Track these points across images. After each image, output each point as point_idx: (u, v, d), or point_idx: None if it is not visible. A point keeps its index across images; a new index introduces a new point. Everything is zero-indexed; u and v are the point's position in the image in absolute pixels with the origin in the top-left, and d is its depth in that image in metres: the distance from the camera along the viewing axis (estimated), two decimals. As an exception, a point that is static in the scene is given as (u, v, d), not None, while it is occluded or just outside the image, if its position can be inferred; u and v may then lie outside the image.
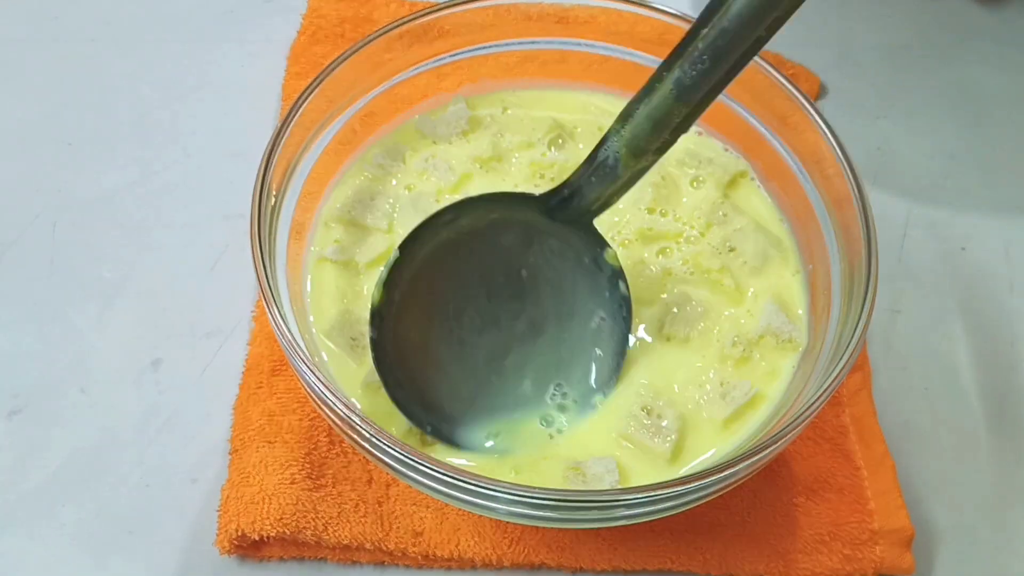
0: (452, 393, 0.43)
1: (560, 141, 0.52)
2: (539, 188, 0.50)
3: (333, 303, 0.46)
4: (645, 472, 0.43)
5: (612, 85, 0.54)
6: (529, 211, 0.43)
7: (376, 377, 0.44)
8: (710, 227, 0.50)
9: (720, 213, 0.50)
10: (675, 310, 0.46)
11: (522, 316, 0.44)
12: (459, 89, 0.53)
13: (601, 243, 0.44)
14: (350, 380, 0.44)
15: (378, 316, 0.42)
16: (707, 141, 0.53)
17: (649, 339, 0.46)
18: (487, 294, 0.44)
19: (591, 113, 0.54)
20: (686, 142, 0.51)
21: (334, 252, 0.47)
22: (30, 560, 0.45)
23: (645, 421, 0.43)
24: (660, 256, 0.49)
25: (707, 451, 0.43)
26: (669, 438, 0.43)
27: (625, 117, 0.40)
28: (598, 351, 0.45)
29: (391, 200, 0.49)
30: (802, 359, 0.46)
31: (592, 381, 0.44)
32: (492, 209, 0.43)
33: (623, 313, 0.44)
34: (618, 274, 0.44)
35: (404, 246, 0.42)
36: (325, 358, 0.45)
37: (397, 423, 0.43)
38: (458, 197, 0.49)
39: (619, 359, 0.44)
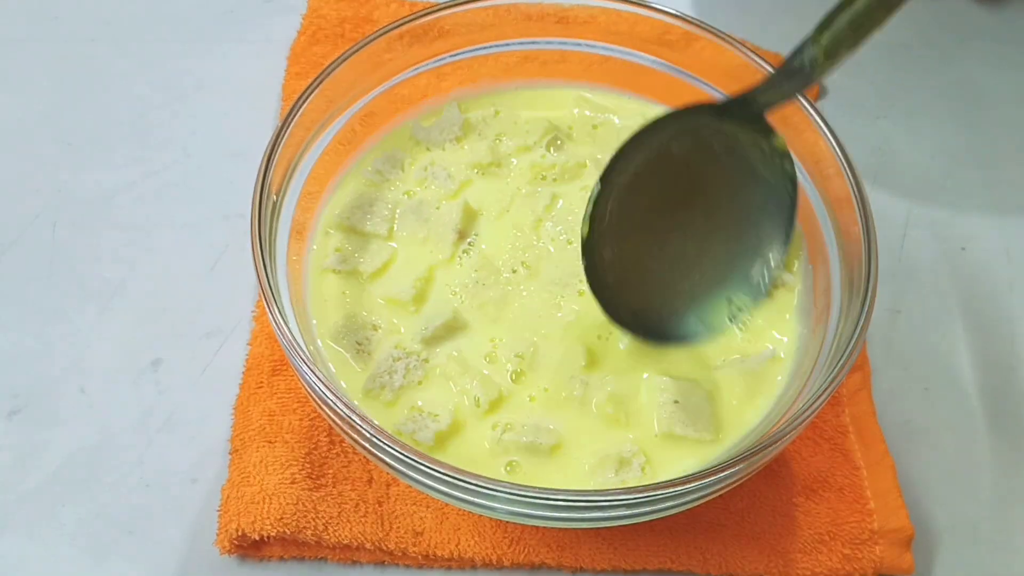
0: (656, 301, 0.45)
1: (558, 142, 0.52)
2: (541, 190, 0.50)
3: (337, 308, 0.46)
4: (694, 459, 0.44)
5: (612, 85, 0.54)
6: (704, 117, 0.44)
7: (375, 383, 0.44)
8: None
9: None
10: None
11: (702, 218, 0.45)
12: (452, 91, 0.53)
13: (769, 131, 0.44)
14: (353, 384, 0.44)
15: (588, 247, 0.44)
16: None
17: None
18: (673, 205, 0.45)
19: (584, 108, 0.54)
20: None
21: (335, 261, 0.47)
22: (30, 560, 0.45)
23: (679, 414, 0.44)
24: None
25: (744, 424, 0.44)
26: (707, 423, 0.44)
27: (825, 26, 0.42)
28: (766, 237, 0.45)
29: (390, 206, 0.49)
30: (802, 312, 0.47)
31: (768, 264, 0.45)
32: (674, 126, 0.44)
33: (789, 190, 0.45)
34: (785, 156, 0.44)
35: (604, 177, 0.43)
36: (329, 364, 0.45)
37: (397, 424, 0.43)
38: (458, 202, 0.49)
39: (789, 230, 0.45)
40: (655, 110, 0.53)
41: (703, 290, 0.45)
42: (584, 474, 0.43)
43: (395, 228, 0.49)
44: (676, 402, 0.44)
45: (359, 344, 0.45)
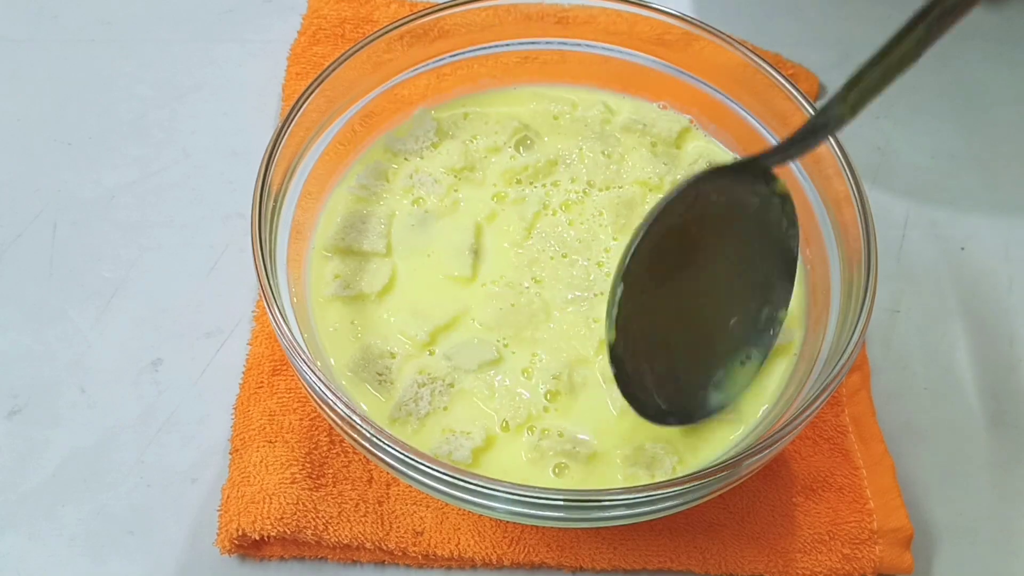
0: (684, 383, 0.44)
1: (528, 141, 0.52)
2: (528, 192, 0.50)
3: (351, 340, 0.45)
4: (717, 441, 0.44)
5: (612, 85, 0.54)
6: (713, 183, 0.42)
7: (401, 412, 0.44)
8: (663, 179, 0.51)
9: (662, 163, 0.51)
10: None
11: (713, 282, 0.44)
12: (424, 102, 0.53)
13: (772, 178, 0.43)
14: (378, 413, 0.44)
15: (617, 355, 0.41)
16: (641, 105, 0.54)
17: None
18: (687, 278, 0.43)
19: (543, 103, 0.54)
20: (627, 113, 0.53)
21: (338, 288, 0.46)
22: (30, 560, 0.45)
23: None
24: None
25: (761, 400, 0.45)
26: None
27: (854, 83, 0.40)
28: (772, 282, 0.45)
29: (384, 222, 0.49)
30: (802, 312, 0.47)
31: (775, 308, 0.45)
32: (683, 200, 0.41)
33: (791, 233, 0.44)
34: (786, 199, 0.44)
35: (624, 275, 0.40)
36: (349, 393, 0.44)
37: (431, 448, 0.43)
38: (468, 223, 0.48)
39: (792, 272, 0.45)
40: (650, 109, 0.53)
41: (723, 356, 0.44)
42: (615, 468, 0.43)
43: (393, 243, 0.48)
44: None
45: (379, 375, 0.44)
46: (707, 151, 0.52)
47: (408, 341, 0.45)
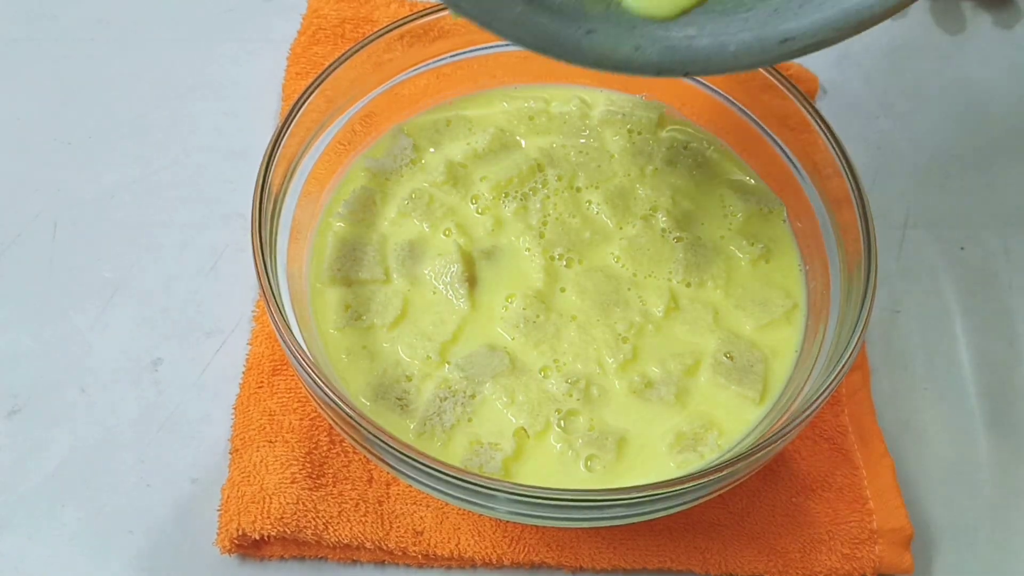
0: None
1: (507, 146, 0.52)
2: (531, 204, 0.50)
3: (368, 367, 0.45)
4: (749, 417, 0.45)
5: (612, 85, 0.54)
6: None
7: (426, 427, 0.43)
8: (644, 168, 0.52)
9: (645, 150, 0.52)
10: (691, 255, 0.48)
11: None
12: (401, 121, 0.52)
13: None
14: (402, 433, 0.44)
15: None
16: (615, 96, 0.54)
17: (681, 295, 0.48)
18: None
19: (516, 100, 0.53)
20: (603, 105, 0.53)
21: (350, 318, 0.46)
22: (30, 560, 0.45)
23: (727, 367, 0.45)
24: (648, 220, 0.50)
25: (782, 377, 0.46)
26: (754, 383, 0.45)
27: None
28: None
29: (375, 247, 0.48)
30: (801, 312, 0.48)
31: None
32: None
33: None
34: None
35: None
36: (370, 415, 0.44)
37: (461, 460, 0.43)
38: (452, 249, 0.48)
39: None
40: (625, 99, 0.53)
41: None
42: (663, 455, 0.43)
43: (390, 269, 0.48)
44: (729, 356, 0.45)
45: (399, 399, 0.44)
46: (684, 132, 0.52)
47: (419, 363, 0.45)
